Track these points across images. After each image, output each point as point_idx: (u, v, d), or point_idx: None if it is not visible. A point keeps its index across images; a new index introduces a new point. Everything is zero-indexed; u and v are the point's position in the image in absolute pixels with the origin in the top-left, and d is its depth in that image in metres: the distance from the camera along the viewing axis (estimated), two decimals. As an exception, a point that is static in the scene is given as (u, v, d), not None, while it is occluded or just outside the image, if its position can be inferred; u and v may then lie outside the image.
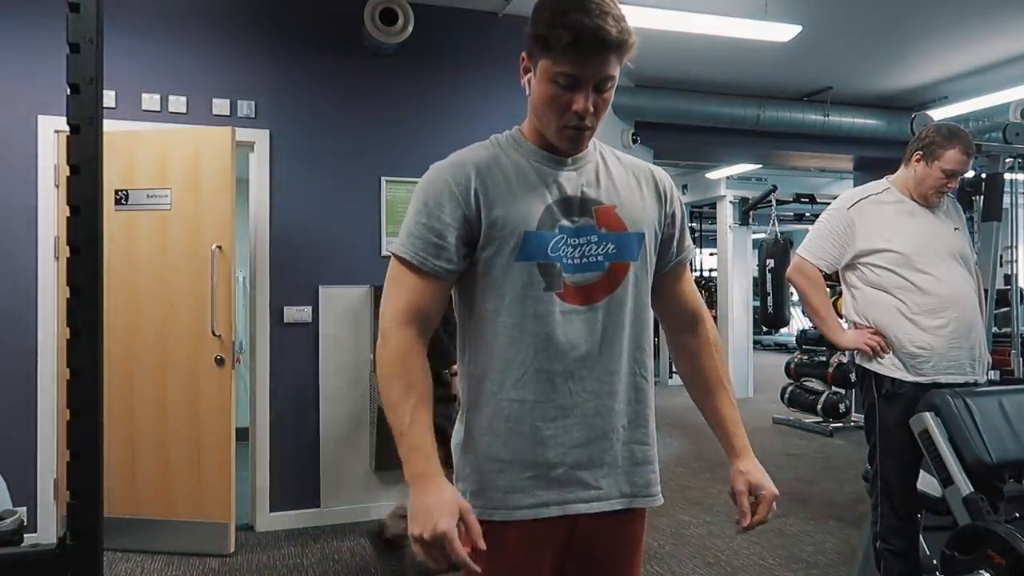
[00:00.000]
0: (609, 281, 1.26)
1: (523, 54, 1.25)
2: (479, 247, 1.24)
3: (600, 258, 1.25)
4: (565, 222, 1.24)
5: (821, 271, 2.67)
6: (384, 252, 4.18)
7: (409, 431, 1.16)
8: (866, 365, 2.59)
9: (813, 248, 2.68)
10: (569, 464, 1.25)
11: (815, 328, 7.39)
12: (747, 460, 1.38)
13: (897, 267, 2.50)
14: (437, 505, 1.09)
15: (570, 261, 1.23)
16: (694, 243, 10.15)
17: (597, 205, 1.27)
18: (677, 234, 1.39)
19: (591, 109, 1.19)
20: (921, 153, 2.56)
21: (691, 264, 1.49)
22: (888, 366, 2.53)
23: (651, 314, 1.37)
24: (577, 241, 1.24)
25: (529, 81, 1.24)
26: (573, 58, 1.15)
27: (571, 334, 1.23)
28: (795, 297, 8.41)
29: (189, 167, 3.64)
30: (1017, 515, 2.48)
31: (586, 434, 1.25)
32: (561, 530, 1.26)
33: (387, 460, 4.07)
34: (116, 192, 3.63)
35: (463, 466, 1.29)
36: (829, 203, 2.83)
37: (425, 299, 1.23)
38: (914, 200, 2.59)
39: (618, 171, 1.33)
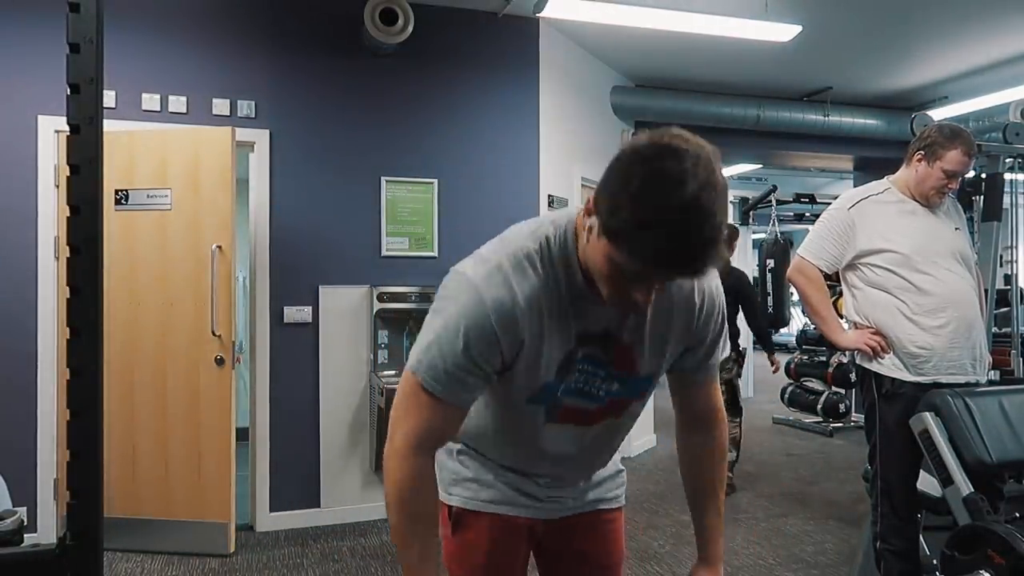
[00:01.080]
0: (605, 411, 1.29)
1: (589, 200, 1.04)
2: (507, 382, 1.20)
3: (602, 393, 1.25)
4: (580, 353, 1.18)
5: (821, 271, 2.67)
6: (384, 252, 4.18)
7: (418, 568, 1.17)
8: (866, 365, 2.59)
9: (813, 248, 2.67)
10: (543, 494, 1.38)
11: (815, 328, 7.40)
12: (713, 571, 1.40)
13: (897, 267, 2.50)
14: None
15: (573, 386, 1.22)
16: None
17: (619, 344, 1.20)
18: (706, 350, 1.28)
19: (651, 301, 1.07)
20: (923, 153, 2.55)
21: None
22: (888, 366, 2.53)
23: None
24: (585, 368, 1.20)
25: (591, 228, 1.03)
26: (650, 270, 0.98)
27: (558, 446, 1.31)
28: (795, 297, 8.42)
29: (189, 167, 3.64)
30: (1017, 515, 2.48)
31: (552, 486, 1.38)
32: (535, 524, 1.40)
33: (387, 460, 4.07)
34: (116, 192, 3.63)
35: (440, 469, 1.36)
36: (829, 203, 2.83)
37: (446, 424, 1.18)
38: (915, 200, 2.59)
39: (659, 302, 1.15)
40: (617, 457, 1.48)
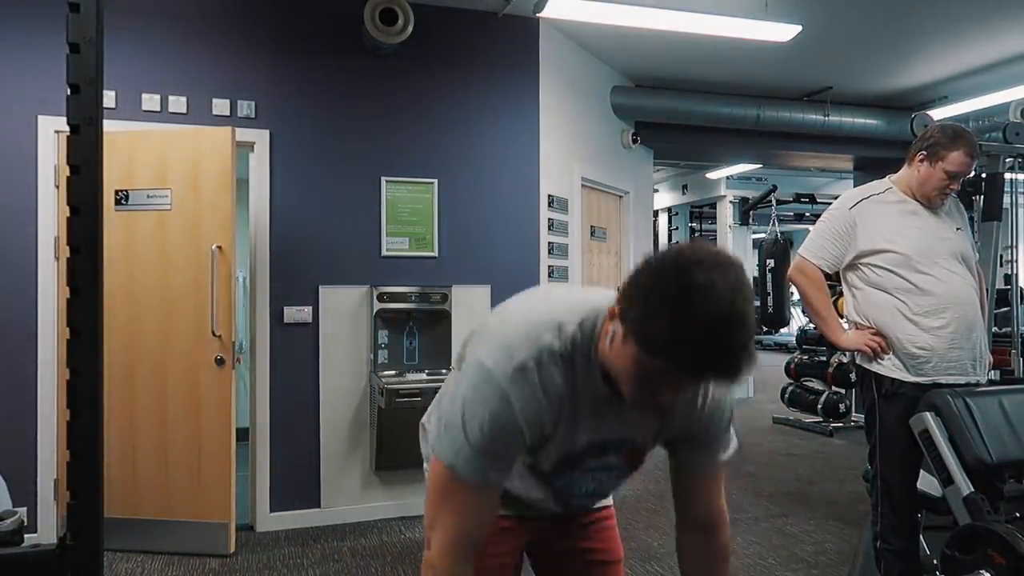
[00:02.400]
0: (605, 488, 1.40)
1: (615, 305, 1.05)
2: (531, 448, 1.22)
3: (604, 482, 1.34)
4: (595, 462, 1.25)
5: (822, 271, 2.67)
6: (384, 252, 4.18)
7: None
8: (866, 366, 2.59)
9: (814, 248, 2.67)
10: (541, 513, 1.39)
11: (815, 328, 7.40)
12: None
13: (898, 267, 2.50)
14: None
15: (579, 487, 1.31)
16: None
17: (631, 447, 1.26)
18: (713, 450, 1.27)
19: (675, 407, 1.11)
20: (925, 153, 2.55)
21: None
22: (888, 366, 2.53)
23: None
24: (598, 475, 1.29)
25: (615, 334, 1.05)
26: (684, 376, 0.99)
27: (556, 501, 1.35)
28: (795, 297, 8.41)
29: (189, 167, 3.64)
30: (1017, 515, 2.48)
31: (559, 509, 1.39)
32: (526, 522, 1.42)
33: (387, 460, 4.08)
34: (116, 192, 3.63)
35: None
36: (829, 203, 2.83)
37: (482, 518, 1.17)
38: (916, 200, 2.59)
39: (690, 408, 1.21)
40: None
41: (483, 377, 1.11)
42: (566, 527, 1.43)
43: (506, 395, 1.09)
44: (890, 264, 2.51)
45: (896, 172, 2.68)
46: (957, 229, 2.60)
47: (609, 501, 1.49)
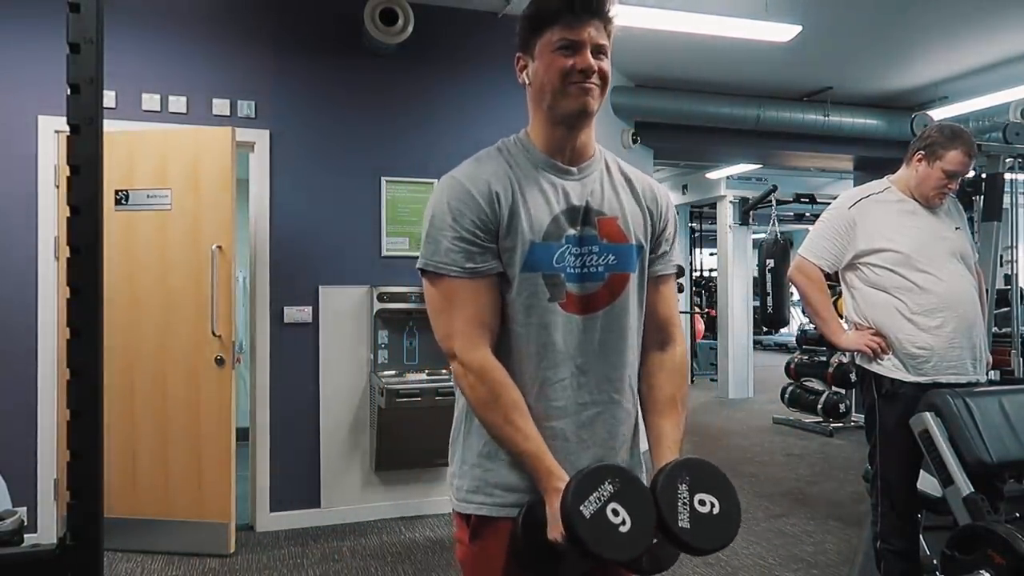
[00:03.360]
0: (609, 292, 1.30)
1: (517, 55, 1.34)
2: (501, 252, 1.26)
3: (601, 269, 1.29)
4: (570, 231, 1.27)
5: (822, 271, 2.67)
6: (384, 252, 4.19)
7: (525, 447, 1.20)
8: (866, 366, 2.59)
9: (814, 248, 2.67)
10: (569, 470, 1.24)
11: (815, 328, 7.39)
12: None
13: (897, 267, 2.50)
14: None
15: (573, 271, 1.27)
16: (694, 243, 10.06)
17: (600, 216, 1.31)
18: (665, 248, 1.40)
19: (594, 66, 1.25)
20: (923, 153, 2.55)
21: (681, 275, 1.48)
22: (888, 367, 2.53)
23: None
24: (579, 251, 1.28)
25: (528, 74, 1.31)
26: (568, 22, 1.24)
27: (572, 343, 1.27)
28: (795, 297, 8.42)
29: (189, 167, 3.64)
30: (1017, 515, 2.48)
31: (588, 442, 1.29)
32: None
33: (387, 460, 4.08)
34: (116, 192, 3.63)
35: (461, 463, 1.32)
36: (829, 203, 2.83)
37: (482, 306, 1.24)
38: (915, 200, 2.59)
39: (621, 182, 1.37)
40: (640, 449, 1.41)
41: (436, 187, 1.32)
42: None
43: (454, 178, 1.28)
44: (889, 263, 2.51)
45: (895, 172, 2.69)
46: (956, 228, 2.60)
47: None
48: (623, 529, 1.10)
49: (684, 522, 1.14)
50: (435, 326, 1.28)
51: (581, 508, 1.09)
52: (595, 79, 1.25)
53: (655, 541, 1.15)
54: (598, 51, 1.26)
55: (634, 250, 1.33)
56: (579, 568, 1.22)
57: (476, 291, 1.24)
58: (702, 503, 1.16)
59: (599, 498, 1.10)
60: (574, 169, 1.32)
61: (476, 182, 1.26)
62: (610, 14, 1.26)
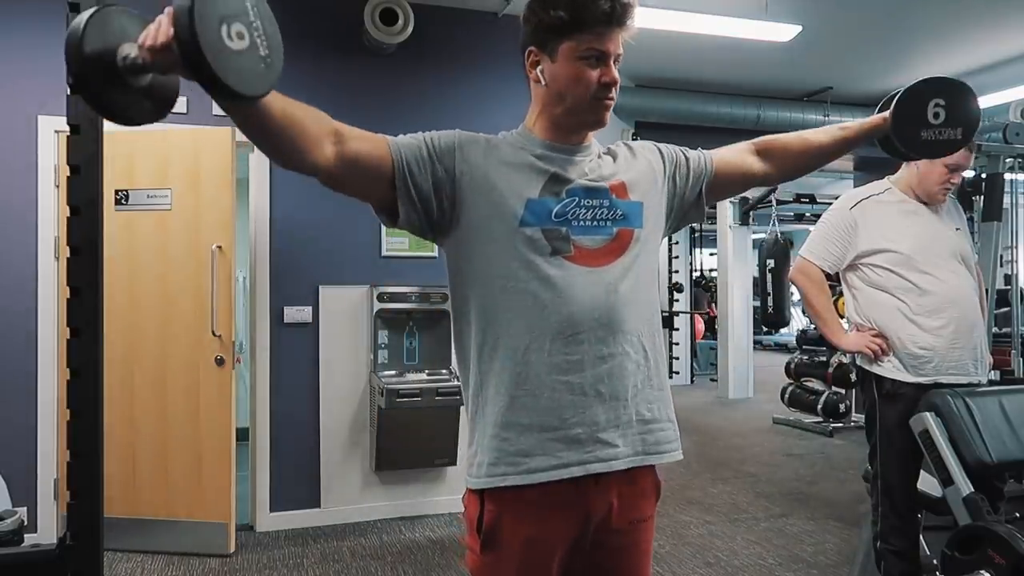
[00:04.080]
0: (618, 245, 1.31)
1: (530, 48, 1.30)
2: (477, 212, 1.27)
3: (609, 223, 1.31)
4: (576, 185, 1.30)
5: (824, 272, 2.67)
6: (384, 252, 4.18)
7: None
8: (866, 367, 2.59)
9: (816, 249, 2.67)
10: (587, 424, 1.26)
11: (815, 328, 7.39)
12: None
13: (899, 268, 2.49)
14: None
15: (580, 223, 1.29)
16: (694, 243, 10.06)
17: (609, 179, 1.34)
18: (688, 164, 1.46)
19: (618, 79, 1.27)
20: None
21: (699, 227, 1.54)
22: (888, 367, 2.52)
23: (656, 283, 1.39)
24: (590, 203, 1.30)
25: (542, 72, 1.29)
26: (601, 32, 1.22)
27: (581, 296, 1.26)
28: (795, 297, 8.42)
29: (189, 167, 3.64)
30: (1017, 515, 2.49)
31: (604, 395, 1.27)
32: (576, 499, 1.27)
33: (387, 461, 4.07)
34: (116, 192, 3.63)
35: (480, 437, 1.28)
36: (829, 203, 2.84)
37: (371, 150, 1.30)
38: (917, 200, 2.59)
39: (616, 153, 1.41)
40: (670, 407, 1.38)
41: None
42: (607, 537, 1.32)
43: (453, 131, 1.36)
44: (890, 264, 2.51)
45: (895, 173, 2.68)
46: (956, 229, 2.60)
47: (675, 449, 1.37)
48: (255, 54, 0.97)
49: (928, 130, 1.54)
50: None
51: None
52: (614, 91, 1.29)
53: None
54: (617, 60, 1.28)
55: (640, 207, 1.35)
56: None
57: (377, 145, 1.31)
58: (936, 116, 1.55)
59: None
60: (573, 147, 1.35)
61: (469, 135, 1.34)
62: (632, 22, 1.27)
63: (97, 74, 0.95)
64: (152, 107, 1.04)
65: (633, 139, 5.90)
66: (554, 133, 1.34)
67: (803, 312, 7.92)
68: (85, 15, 0.94)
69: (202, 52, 0.88)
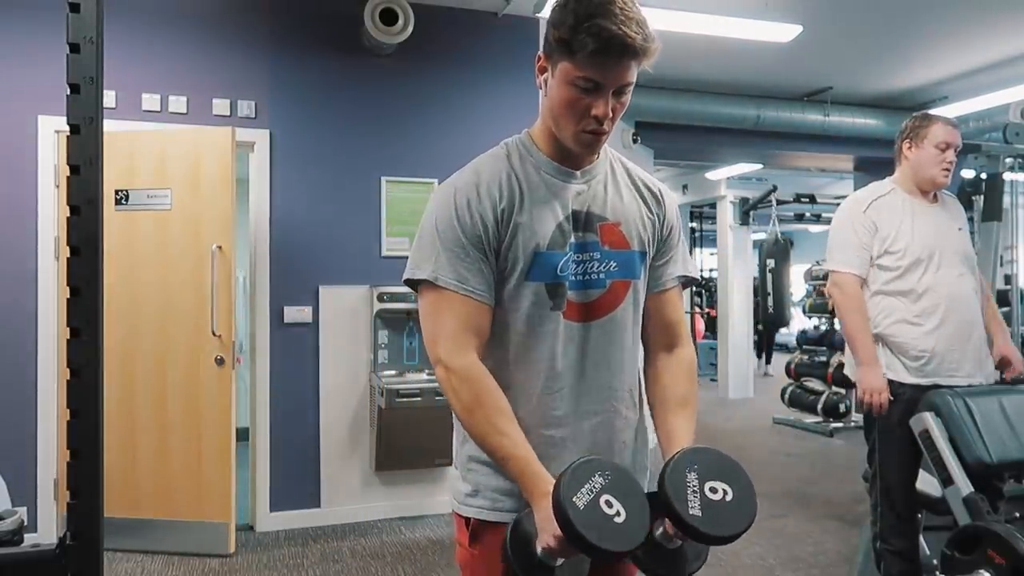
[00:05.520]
0: (611, 299, 1.28)
1: (540, 54, 1.24)
2: (501, 261, 1.24)
3: (602, 276, 1.27)
4: (572, 239, 1.25)
5: (861, 280, 2.61)
6: (384, 252, 4.18)
7: (513, 452, 1.17)
8: (851, 376, 2.59)
9: (844, 258, 2.57)
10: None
11: (815, 328, 7.38)
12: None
13: (903, 269, 2.49)
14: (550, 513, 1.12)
15: (574, 278, 1.25)
16: (694, 243, 10.05)
17: (602, 222, 1.28)
18: (673, 254, 1.37)
19: (610, 114, 1.19)
20: (909, 141, 2.58)
21: (691, 284, 1.45)
22: (888, 368, 2.52)
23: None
24: (581, 258, 1.26)
25: (546, 81, 1.23)
26: (597, 63, 1.14)
27: (572, 351, 1.26)
28: (796, 297, 8.41)
29: (189, 167, 3.64)
30: (1017, 515, 2.48)
31: (587, 450, 1.27)
32: None
33: (387, 460, 4.08)
34: (116, 192, 3.63)
35: (460, 464, 1.31)
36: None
37: (470, 314, 1.21)
38: (922, 196, 2.59)
39: (626, 184, 1.34)
40: (647, 451, 1.40)
41: (434, 196, 1.28)
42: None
43: (452, 186, 1.25)
44: (895, 264, 2.50)
45: (893, 174, 2.68)
46: (959, 229, 2.60)
47: None
48: (618, 520, 1.06)
49: (695, 509, 1.09)
50: (424, 331, 1.25)
51: (574, 499, 1.05)
52: (607, 125, 1.20)
53: (677, 540, 1.13)
54: (622, 90, 1.19)
55: (636, 256, 1.30)
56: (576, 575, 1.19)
57: (471, 307, 1.21)
58: (713, 490, 1.11)
59: (591, 490, 1.07)
60: (578, 173, 1.28)
61: (473, 187, 1.23)
62: (651, 49, 1.16)
63: (535, 569, 1.14)
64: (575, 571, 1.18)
65: (633, 140, 5.87)
66: (556, 151, 1.28)
67: (804, 311, 7.89)
68: (523, 527, 1.17)
69: (587, 541, 1.04)
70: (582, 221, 1.26)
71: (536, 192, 1.25)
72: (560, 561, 1.13)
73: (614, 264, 1.27)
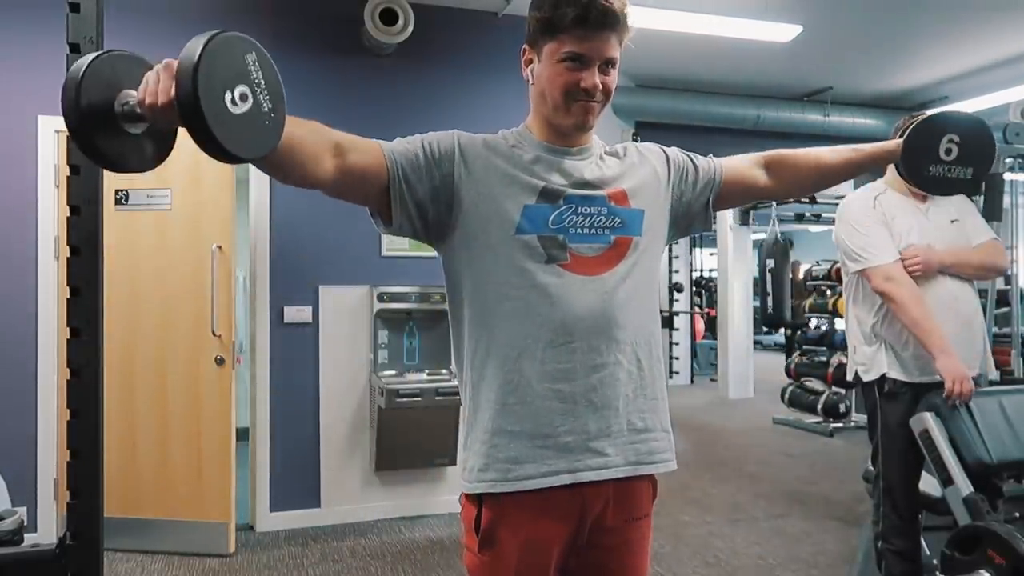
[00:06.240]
0: (615, 253, 1.29)
1: (524, 47, 1.30)
2: (476, 216, 1.26)
3: (607, 231, 1.29)
4: (572, 192, 1.28)
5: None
6: (384, 252, 4.18)
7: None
8: (864, 376, 2.58)
9: (875, 250, 2.47)
10: (578, 432, 1.26)
11: (817, 329, 7.36)
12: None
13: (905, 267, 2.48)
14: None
15: (577, 231, 1.27)
16: (694, 243, 10.05)
17: (603, 183, 1.31)
18: (697, 172, 1.43)
19: (599, 86, 1.23)
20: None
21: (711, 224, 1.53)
22: (890, 367, 2.52)
23: (656, 291, 1.38)
24: (587, 211, 1.28)
25: (532, 71, 1.29)
26: (579, 36, 1.20)
27: (575, 305, 1.25)
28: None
29: (189, 167, 3.64)
30: (1017, 515, 2.48)
31: (595, 403, 1.27)
32: (570, 501, 1.27)
33: (387, 460, 4.08)
34: (116, 192, 3.63)
35: (471, 442, 1.30)
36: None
37: (364, 162, 1.25)
38: (912, 196, 2.58)
39: (618, 155, 1.37)
40: (665, 417, 1.37)
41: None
42: (604, 538, 1.32)
43: (451, 132, 1.34)
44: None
45: (884, 176, 2.67)
46: (952, 222, 2.57)
47: (668, 460, 1.36)
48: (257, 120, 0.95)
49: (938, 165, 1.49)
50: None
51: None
52: (598, 96, 1.24)
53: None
54: (607, 64, 1.24)
55: (640, 215, 1.32)
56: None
57: (374, 152, 1.26)
58: (948, 152, 1.50)
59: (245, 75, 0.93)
60: (572, 150, 1.32)
61: (468, 136, 1.32)
62: (628, 23, 1.23)
63: (93, 124, 0.92)
64: (153, 151, 1.03)
65: (634, 139, 5.91)
66: (550, 134, 1.32)
67: (803, 311, 7.87)
68: (85, 61, 0.92)
69: (207, 123, 0.86)
70: (580, 182, 1.30)
71: (528, 160, 1.30)
72: (142, 128, 0.98)
73: (618, 220, 1.30)
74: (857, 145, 1.52)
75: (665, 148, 1.44)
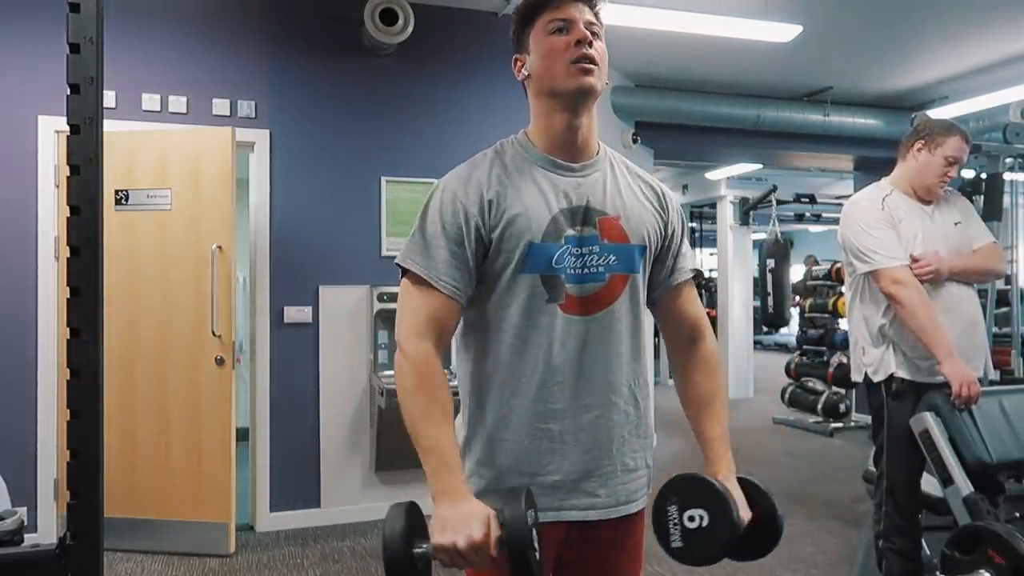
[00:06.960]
0: (609, 292, 1.28)
1: (514, 57, 1.35)
2: (488, 259, 1.25)
3: (601, 269, 1.27)
4: (570, 232, 1.25)
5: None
6: (384, 252, 4.18)
7: (438, 447, 1.20)
8: (873, 377, 2.57)
9: (884, 252, 2.44)
10: (566, 473, 1.27)
11: (817, 330, 7.36)
12: (727, 481, 1.31)
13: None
14: (471, 515, 1.10)
15: (572, 271, 1.25)
16: (694, 244, 10.05)
17: (601, 216, 1.28)
18: (676, 250, 1.39)
19: (589, 37, 1.25)
20: (923, 142, 2.54)
21: (699, 278, 1.48)
22: (897, 366, 2.51)
23: (649, 323, 1.38)
24: (580, 251, 1.26)
25: (527, 68, 1.32)
26: (556, 6, 1.26)
27: (571, 345, 1.26)
28: (797, 297, 8.41)
29: (189, 167, 3.64)
30: (1017, 515, 2.48)
31: (585, 444, 1.28)
32: (557, 531, 1.29)
33: (387, 460, 4.08)
34: (116, 192, 3.63)
35: (468, 461, 1.32)
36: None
37: (441, 312, 1.23)
38: (916, 199, 2.58)
39: (624, 181, 1.35)
40: (650, 452, 1.40)
41: (432, 191, 1.32)
42: (599, 541, 1.34)
43: (442, 183, 1.30)
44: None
45: (889, 175, 2.67)
46: (955, 224, 2.58)
47: (641, 499, 1.38)
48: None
49: (676, 542, 1.23)
50: (397, 318, 1.27)
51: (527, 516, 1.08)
52: (592, 53, 1.26)
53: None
54: (590, 27, 1.27)
55: (636, 251, 1.31)
56: None
57: (443, 303, 1.24)
58: (691, 519, 1.22)
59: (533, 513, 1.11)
60: (575, 166, 1.30)
61: (464, 183, 1.27)
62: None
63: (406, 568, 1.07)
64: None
65: (633, 140, 5.87)
66: (552, 145, 1.30)
67: (804, 312, 7.88)
68: (398, 521, 1.10)
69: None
70: (580, 214, 1.27)
71: (530, 185, 1.27)
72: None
73: (613, 258, 1.28)
74: (723, 443, 1.36)
75: (683, 215, 1.44)
